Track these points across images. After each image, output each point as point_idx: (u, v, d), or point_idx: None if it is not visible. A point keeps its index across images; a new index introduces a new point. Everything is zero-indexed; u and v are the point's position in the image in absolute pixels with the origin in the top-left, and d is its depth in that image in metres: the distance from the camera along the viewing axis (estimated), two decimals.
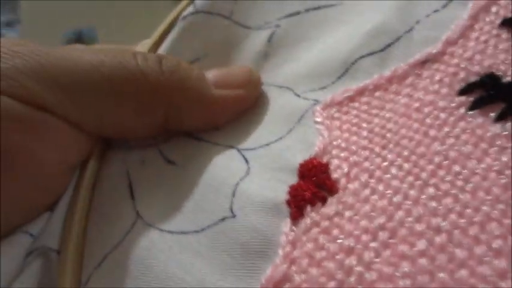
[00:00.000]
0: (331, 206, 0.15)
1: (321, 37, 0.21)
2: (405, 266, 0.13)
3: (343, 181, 0.15)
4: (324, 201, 0.15)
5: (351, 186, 0.15)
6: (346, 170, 0.15)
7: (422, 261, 0.13)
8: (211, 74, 0.20)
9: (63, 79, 0.17)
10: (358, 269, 0.13)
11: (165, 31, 0.22)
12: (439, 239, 0.13)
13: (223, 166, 0.18)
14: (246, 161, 0.18)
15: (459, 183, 0.14)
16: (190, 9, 0.22)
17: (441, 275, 0.12)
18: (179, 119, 0.19)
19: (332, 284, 0.13)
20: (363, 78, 0.18)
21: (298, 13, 0.22)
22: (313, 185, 0.15)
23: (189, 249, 0.16)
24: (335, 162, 0.16)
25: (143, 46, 0.22)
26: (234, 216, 0.16)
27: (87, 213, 0.18)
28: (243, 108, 0.20)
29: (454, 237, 0.13)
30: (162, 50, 0.22)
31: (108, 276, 0.17)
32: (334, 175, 0.15)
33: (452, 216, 0.13)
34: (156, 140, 0.20)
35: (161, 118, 0.19)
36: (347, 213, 0.14)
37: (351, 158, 0.16)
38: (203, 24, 0.22)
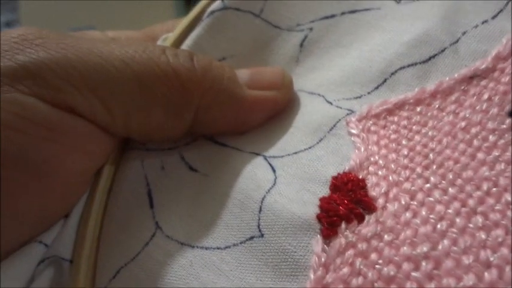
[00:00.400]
0: (368, 226, 0.14)
1: (355, 43, 0.20)
2: None
3: (381, 201, 0.14)
4: (360, 219, 0.14)
5: (390, 206, 0.14)
6: (384, 189, 0.14)
7: None
8: (243, 74, 0.19)
9: (92, 77, 0.15)
10: None
11: (189, 26, 0.21)
12: (488, 276, 0.12)
13: (249, 176, 0.17)
14: (273, 170, 0.17)
15: (510, 214, 0.13)
16: (218, 4, 0.21)
17: None
18: (207, 122, 0.18)
19: None
20: (402, 90, 0.17)
21: (333, 16, 0.21)
22: (349, 199, 0.14)
23: (210, 266, 0.15)
24: (372, 179, 0.15)
25: (164, 41, 0.21)
26: (261, 235, 0.15)
27: (101, 221, 0.17)
28: (275, 110, 0.19)
29: (505, 274, 0.12)
30: (184, 46, 0.21)
31: None
32: (372, 193, 0.14)
33: (504, 251, 0.12)
34: (177, 143, 0.19)
35: (190, 120, 0.17)
36: (386, 237, 0.13)
37: (390, 177, 0.15)
38: (231, 22, 0.21)
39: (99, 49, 0.16)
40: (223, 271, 0.15)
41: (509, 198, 0.13)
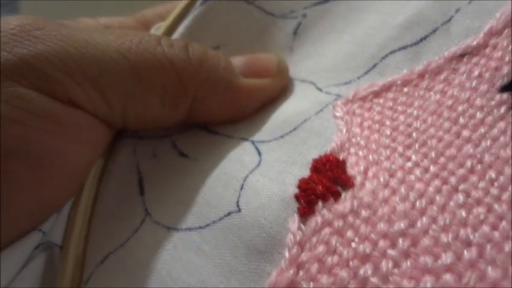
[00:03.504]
0: (345, 202, 0.13)
1: (348, 27, 0.20)
2: (428, 282, 0.11)
3: (359, 178, 0.14)
4: (336, 197, 0.14)
5: (368, 184, 0.14)
6: (363, 167, 0.14)
7: (448, 277, 0.11)
8: (238, 61, 0.19)
9: (91, 69, 0.15)
10: (374, 280, 0.12)
11: (181, 13, 0.21)
12: (468, 254, 0.11)
13: (235, 159, 0.17)
14: (259, 153, 0.17)
15: (494, 191, 0.12)
16: None
17: None
18: (202, 112, 0.18)
19: None
20: (392, 74, 0.17)
21: (327, 1, 0.20)
22: (327, 179, 0.14)
23: (192, 247, 0.15)
24: (352, 159, 0.14)
25: (157, 30, 0.21)
26: (239, 210, 0.15)
27: (92, 208, 0.17)
28: (270, 98, 0.19)
29: (485, 252, 0.11)
30: (177, 34, 0.21)
31: (109, 275, 0.16)
32: (350, 171, 0.14)
33: (485, 229, 0.12)
34: (170, 131, 0.19)
35: (186, 110, 0.17)
36: (363, 213, 0.13)
37: (370, 157, 0.14)
38: (225, 9, 0.21)
39: (96, 40, 0.16)
40: (204, 251, 0.14)
41: (494, 176, 0.12)
